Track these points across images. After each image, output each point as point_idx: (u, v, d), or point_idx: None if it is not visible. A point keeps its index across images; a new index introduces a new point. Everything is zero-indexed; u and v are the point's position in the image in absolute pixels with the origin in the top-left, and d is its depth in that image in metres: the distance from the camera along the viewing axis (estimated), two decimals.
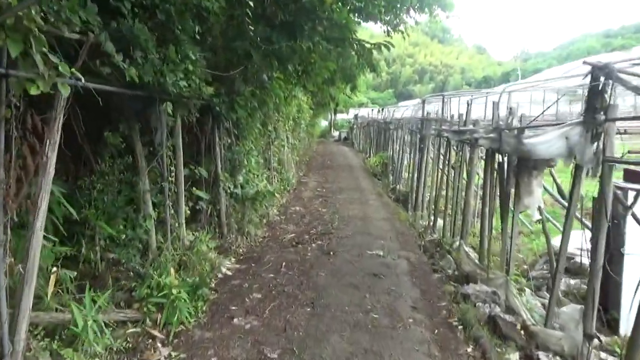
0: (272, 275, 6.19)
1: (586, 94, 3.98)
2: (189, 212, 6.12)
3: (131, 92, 4.32)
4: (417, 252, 7.86)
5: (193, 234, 6.46)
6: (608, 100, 3.66)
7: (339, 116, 49.01)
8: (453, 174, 9.71)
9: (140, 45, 4.00)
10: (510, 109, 5.83)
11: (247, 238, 7.73)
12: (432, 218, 10.47)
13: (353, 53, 18.79)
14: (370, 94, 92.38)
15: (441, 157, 10.73)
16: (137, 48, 3.97)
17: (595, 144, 3.83)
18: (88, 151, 5.16)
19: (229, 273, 6.16)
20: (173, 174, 5.79)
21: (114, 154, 5.20)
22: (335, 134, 45.63)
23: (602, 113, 3.72)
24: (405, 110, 18.12)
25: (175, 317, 4.31)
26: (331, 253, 7.26)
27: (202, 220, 7.06)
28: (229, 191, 7.55)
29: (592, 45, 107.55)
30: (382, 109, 24.02)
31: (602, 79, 3.73)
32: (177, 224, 5.68)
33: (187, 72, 4.75)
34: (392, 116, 18.82)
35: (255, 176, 8.84)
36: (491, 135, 6.15)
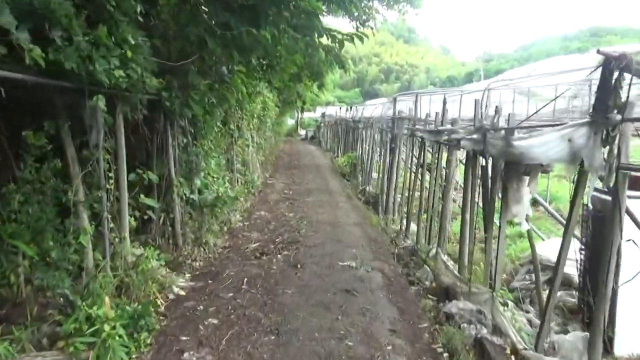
0: (231, 294, 5.44)
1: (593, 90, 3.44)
2: (134, 223, 5.29)
3: (49, 81, 3.49)
4: (391, 262, 7.27)
5: (142, 248, 5.65)
6: (625, 97, 3.11)
7: (306, 115, 48.31)
8: (428, 177, 9.20)
9: (61, 23, 3.19)
10: (496, 107, 5.28)
11: (205, 249, 6.94)
12: (405, 222, 9.95)
13: (321, 50, 18.16)
14: (337, 92, 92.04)
15: (414, 158, 10.21)
16: (55, 27, 3.16)
17: (607, 147, 3.28)
18: (8, 154, 4.30)
19: (182, 293, 5.37)
20: (115, 179, 4.96)
21: (40, 157, 4.34)
22: (303, 132, 44.94)
23: (616, 112, 3.18)
24: (375, 108, 17.60)
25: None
26: (299, 266, 6.56)
27: (152, 232, 6.24)
28: (184, 197, 6.75)
29: (551, 48, 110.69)
30: (350, 107, 23.47)
31: (615, 73, 3.18)
32: (118, 239, 4.85)
33: (125, 59, 3.95)
34: (361, 115, 18.27)
35: (215, 179, 8.05)
36: (474, 136, 5.60)
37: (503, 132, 4.99)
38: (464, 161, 8.16)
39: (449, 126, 7.41)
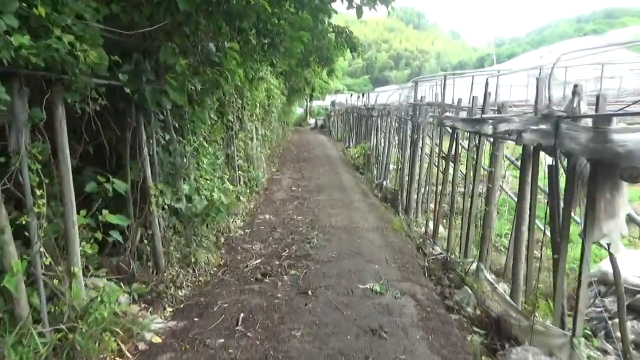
0: (222, 340, 4.13)
1: None
2: (91, 250, 3.99)
3: None
4: (423, 282, 5.92)
5: (108, 280, 4.39)
6: None
7: (316, 103, 46.87)
8: (461, 173, 7.84)
9: None
10: (576, 86, 3.87)
11: (195, 270, 5.66)
12: (432, 225, 8.59)
13: (331, 30, 16.62)
14: (346, 80, 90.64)
15: (440, 150, 8.82)
16: None
17: None
18: None
19: (157, 340, 4.08)
20: (60, 194, 3.67)
21: None
22: (312, 121, 43.49)
23: None
24: (390, 95, 16.16)
25: None
26: (310, 292, 5.23)
27: (126, 253, 4.96)
28: (167, 207, 5.45)
29: (565, 30, 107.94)
30: (362, 95, 21.99)
31: None
32: (62, 277, 3.56)
33: (45, 26, 2.63)
34: (374, 102, 16.80)
35: (208, 181, 6.73)
36: (541, 126, 4.20)
37: (588, 121, 3.59)
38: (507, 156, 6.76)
39: (491, 113, 6.02)
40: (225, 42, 5.29)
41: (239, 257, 6.43)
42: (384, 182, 13.13)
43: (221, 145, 8.70)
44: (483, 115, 5.76)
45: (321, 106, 46.61)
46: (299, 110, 46.20)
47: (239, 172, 10.07)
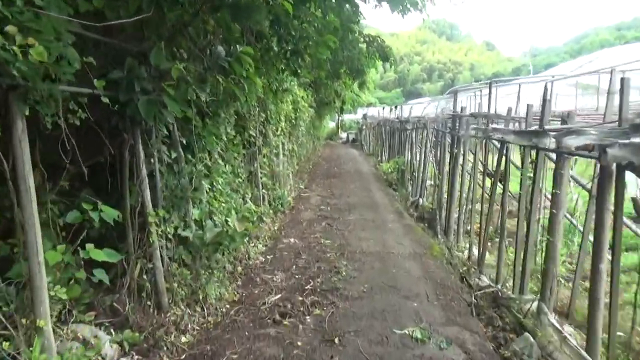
0: None
1: None
2: (65, 295, 3.26)
3: None
4: (472, 326, 4.95)
5: (89, 324, 3.67)
6: None
7: (347, 116, 46.17)
8: (510, 193, 6.88)
9: None
10: None
11: (204, 308, 4.89)
12: (477, 252, 7.59)
13: (362, 40, 15.87)
14: (378, 93, 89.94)
15: (484, 166, 7.85)
16: None
17: None
18: None
19: None
20: (22, 232, 2.97)
21: None
22: (343, 135, 42.73)
23: None
24: (426, 107, 15.23)
25: None
26: (336, 340, 4.35)
27: (124, 290, 4.25)
28: (170, 236, 4.72)
29: (605, 38, 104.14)
30: (395, 107, 21.09)
31: None
32: (24, 332, 2.85)
33: None
34: (408, 114, 15.87)
35: (223, 204, 5.99)
36: (635, 140, 3.25)
37: None
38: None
39: (554, 124, 5.06)
40: (238, 46, 4.54)
41: (256, 291, 5.62)
42: (420, 200, 12.15)
43: (242, 162, 7.99)
44: (546, 127, 4.80)
45: (353, 120, 45.86)
46: (330, 124, 45.59)
47: (263, 190, 9.33)
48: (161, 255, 4.61)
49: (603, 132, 3.67)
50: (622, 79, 3.55)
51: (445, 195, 9.81)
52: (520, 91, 8.87)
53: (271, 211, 9.36)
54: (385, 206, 11.62)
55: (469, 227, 8.88)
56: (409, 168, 14.82)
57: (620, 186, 3.64)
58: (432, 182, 12.85)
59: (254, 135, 8.30)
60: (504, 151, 6.47)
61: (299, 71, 7.06)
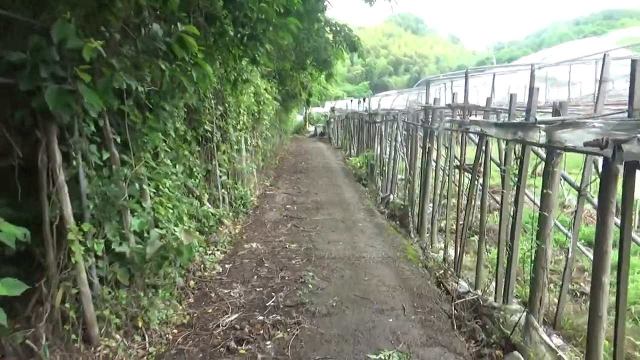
0: None
1: None
2: None
3: None
4: (455, 344, 4.38)
5: None
6: None
7: (315, 110, 45.48)
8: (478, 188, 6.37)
9: None
10: None
11: (144, 336, 4.14)
12: (453, 252, 7.09)
13: (328, 30, 15.16)
14: (346, 86, 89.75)
15: (461, 161, 7.33)
16: None
17: None
18: None
19: None
20: None
21: None
22: (311, 129, 42.07)
23: None
24: (395, 98, 14.70)
25: None
26: None
27: (43, 320, 3.46)
28: (101, 253, 3.94)
29: (564, 33, 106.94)
30: (363, 99, 20.52)
31: None
32: None
33: None
34: (378, 107, 15.29)
35: (171, 210, 5.22)
36: None
37: None
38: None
39: (544, 116, 4.54)
40: (180, 25, 3.77)
41: (210, 310, 4.89)
42: (391, 197, 11.61)
43: (198, 160, 7.21)
44: (538, 119, 4.25)
45: (321, 113, 45.23)
46: (298, 118, 44.82)
47: (223, 190, 8.56)
48: (90, 278, 3.84)
49: (609, 125, 3.12)
50: (634, 61, 3.00)
51: (418, 191, 9.29)
52: (494, 82, 8.40)
53: (231, 213, 8.59)
54: (355, 204, 11.03)
55: (443, 225, 8.38)
56: (378, 163, 14.28)
57: (630, 188, 3.11)
58: (403, 177, 12.36)
59: (210, 130, 7.50)
60: (483, 145, 5.93)
61: (257, 58, 6.31)
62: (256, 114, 10.86)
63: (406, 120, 10.71)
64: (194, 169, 6.94)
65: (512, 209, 4.91)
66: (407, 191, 10.86)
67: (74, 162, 3.68)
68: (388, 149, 13.50)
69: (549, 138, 4.07)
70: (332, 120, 33.14)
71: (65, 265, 3.67)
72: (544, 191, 4.26)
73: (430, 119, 8.45)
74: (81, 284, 3.69)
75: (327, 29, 14.81)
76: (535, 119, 4.18)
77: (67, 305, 3.64)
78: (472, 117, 6.35)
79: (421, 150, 9.35)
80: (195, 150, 6.90)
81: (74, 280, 3.68)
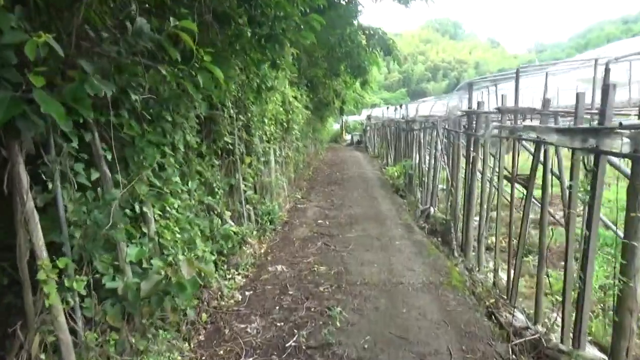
0: None
1: None
2: None
3: None
4: None
5: None
6: None
7: (351, 118, 44.81)
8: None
9: None
10: None
11: None
12: (504, 275, 6.17)
13: (360, 34, 14.45)
14: (383, 94, 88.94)
15: (514, 171, 6.41)
16: None
17: None
18: None
19: None
20: None
21: None
22: (348, 137, 41.34)
23: None
24: (434, 105, 13.80)
25: None
26: None
27: None
28: (87, 291, 3.33)
29: (611, 32, 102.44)
30: (400, 106, 19.63)
31: None
32: None
33: None
34: (415, 113, 14.39)
35: (178, 234, 4.60)
36: None
37: None
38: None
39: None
40: (172, 20, 3.14)
41: (221, 352, 4.21)
42: (431, 209, 10.70)
43: (219, 175, 6.61)
44: (622, 123, 3.37)
45: (357, 121, 44.48)
46: (335, 126, 44.29)
47: (248, 206, 7.95)
48: (73, 320, 3.24)
49: None
50: None
51: (461, 204, 8.39)
52: (547, 82, 7.44)
53: (256, 231, 7.96)
54: (392, 218, 10.20)
55: (491, 242, 7.45)
56: (417, 172, 13.38)
57: None
58: (444, 187, 11.43)
59: (232, 142, 6.91)
60: (541, 154, 5.04)
61: (278, 62, 5.66)
62: (285, 124, 10.24)
63: (447, 127, 9.82)
64: (215, 184, 6.34)
65: (587, 233, 4.00)
66: (448, 204, 9.95)
67: (49, 186, 3.10)
68: (427, 158, 12.62)
69: (636, 147, 3.20)
70: (368, 128, 32.31)
71: (43, 308, 3.09)
72: (631, 214, 3.35)
73: (474, 125, 7.57)
74: (59, 330, 3.08)
75: (360, 32, 14.12)
76: (620, 123, 3.29)
77: (42, 357, 3.04)
78: (526, 122, 5.45)
79: (464, 160, 8.44)
80: (215, 164, 6.30)
81: (51, 324, 3.08)
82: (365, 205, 11.56)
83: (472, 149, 7.51)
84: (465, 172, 8.24)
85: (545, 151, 4.98)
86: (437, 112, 13.66)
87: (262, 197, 8.94)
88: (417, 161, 13.58)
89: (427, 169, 11.99)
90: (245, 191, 7.82)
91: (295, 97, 11.27)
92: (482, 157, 7.34)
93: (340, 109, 21.55)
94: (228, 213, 6.98)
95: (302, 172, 15.25)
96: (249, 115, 7.49)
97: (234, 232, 6.78)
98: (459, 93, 14.17)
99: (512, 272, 5.80)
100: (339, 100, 18.31)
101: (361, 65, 15.86)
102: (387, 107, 26.41)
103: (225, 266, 6.28)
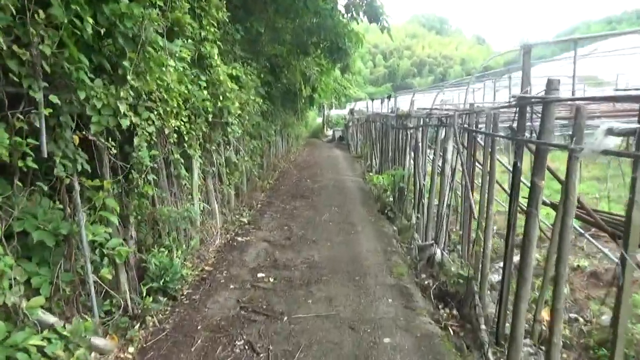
0: None
1: None
2: None
3: None
4: None
5: None
6: None
7: (335, 112, 41.05)
8: None
9: None
10: None
11: None
12: None
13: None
14: (368, 88, 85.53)
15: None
16: None
17: None
18: None
19: None
20: None
21: None
22: (330, 133, 37.55)
23: None
24: (438, 94, 10.07)
25: None
26: None
27: None
28: None
29: (596, 31, 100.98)
30: (389, 97, 15.88)
31: None
32: None
33: None
34: (411, 107, 10.51)
35: None
36: None
37: None
38: None
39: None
40: None
41: None
42: (437, 251, 6.96)
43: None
44: None
45: (341, 115, 40.72)
46: (319, 120, 40.69)
47: (94, 275, 4.10)
48: None
49: None
50: None
51: (493, 255, 4.73)
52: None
53: (104, 329, 4.10)
54: (377, 270, 6.45)
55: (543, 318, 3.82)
56: (411, 186, 9.63)
57: None
58: (453, 209, 7.80)
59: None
60: None
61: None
62: (209, 115, 6.35)
63: (468, 125, 6.09)
64: None
65: None
66: (467, 248, 6.27)
67: None
68: (428, 167, 8.93)
69: None
70: (350, 124, 28.44)
71: None
72: None
73: (529, 124, 3.91)
74: None
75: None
76: None
77: None
78: None
79: (510, 180, 4.77)
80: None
81: None
82: (337, 240, 7.79)
83: (536, 170, 3.79)
84: (510, 204, 4.56)
85: None
86: (444, 103, 9.99)
87: (153, 244, 5.10)
88: (411, 170, 9.82)
89: (429, 184, 8.27)
90: (97, 247, 3.99)
91: (233, 76, 7.35)
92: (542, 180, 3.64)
93: (310, 98, 17.54)
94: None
95: (255, 184, 11.34)
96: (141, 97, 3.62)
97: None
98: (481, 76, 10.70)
99: None
100: (308, 87, 14.44)
101: (341, 46, 12.09)
102: (372, 100, 22.56)
103: None
